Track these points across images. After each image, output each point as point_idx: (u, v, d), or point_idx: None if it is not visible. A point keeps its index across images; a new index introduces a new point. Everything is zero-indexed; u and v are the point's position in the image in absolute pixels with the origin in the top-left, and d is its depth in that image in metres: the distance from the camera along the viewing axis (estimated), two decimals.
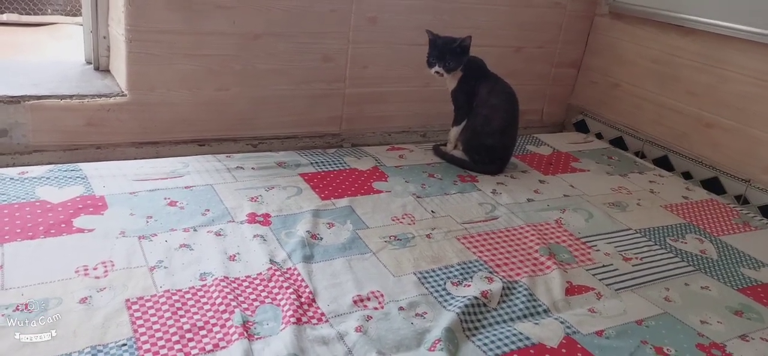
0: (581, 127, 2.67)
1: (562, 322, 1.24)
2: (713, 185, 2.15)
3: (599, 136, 2.57)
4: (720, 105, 2.13)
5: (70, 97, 1.78)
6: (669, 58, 2.29)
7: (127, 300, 1.13)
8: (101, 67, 2.03)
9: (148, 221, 1.41)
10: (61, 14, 3.21)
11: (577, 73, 2.67)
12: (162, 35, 1.80)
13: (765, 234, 1.78)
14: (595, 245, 1.58)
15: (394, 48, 2.18)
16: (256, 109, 2.03)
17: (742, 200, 2.07)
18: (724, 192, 2.12)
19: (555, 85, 2.64)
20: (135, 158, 1.82)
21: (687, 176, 2.24)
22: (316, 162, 1.86)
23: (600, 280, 1.42)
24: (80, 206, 1.44)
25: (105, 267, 1.22)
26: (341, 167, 1.85)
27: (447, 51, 1.89)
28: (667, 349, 1.20)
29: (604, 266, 1.49)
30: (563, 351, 1.16)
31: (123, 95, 1.83)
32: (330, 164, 1.86)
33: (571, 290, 1.37)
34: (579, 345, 1.18)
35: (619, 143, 2.49)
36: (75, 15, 3.15)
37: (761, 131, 2.02)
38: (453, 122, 2.03)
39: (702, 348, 1.22)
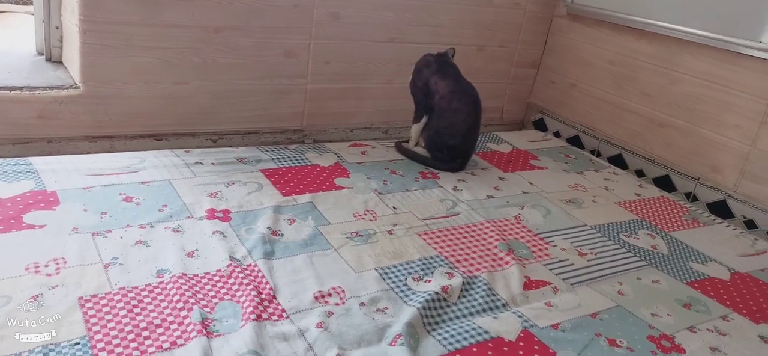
0: (540, 125, 2.72)
1: (519, 316, 1.27)
2: (665, 183, 2.22)
3: (557, 134, 2.63)
4: (672, 106, 2.21)
5: (21, 88, 1.71)
6: (625, 60, 2.36)
7: (81, 298, 1.10)
8: (53, 59, 1.96)
9: (102, 217, 1.37)
10: (10, 2, 3.09)
11: (536, 73, 2.72)
12: (118, 26, 1.75)
13: (712, 230, 1.86)
14: (553, 241, 1.62)
15: (356, 44, 2.18)
16: (216, 103, 1.99)
17: (691, 197, 2.15)
18: (674, 190, 2.20)
19: (515, 84, 2.69)
20: (88, 153, 1.77)
21: (640, 174, 2.31)
22: (278, 158, 1.84)
23: (557, 275, 1.46)
24: (31, 201, 1.39)
25: (57, 264, 1.18)
26: (303, 164, 1.84)
27: None
28: (620, 341, 1.24)
29: (560, 261, 1.53)
30: (521, 344, 1.19)
31: (76, 88, 1.78)
32: (291, 160, 1.85)
33: (529, 284, 1.39)
34: (536, 339, 1.21)
35: (576, 141, 2.55)
36: (25, 3, 3.03)
37: (710, 131, 2.10)
38: (413, 119, 2.05)
39: (652, 340, 1.26)
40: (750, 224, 1.98)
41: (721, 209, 2.05)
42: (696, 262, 1.64)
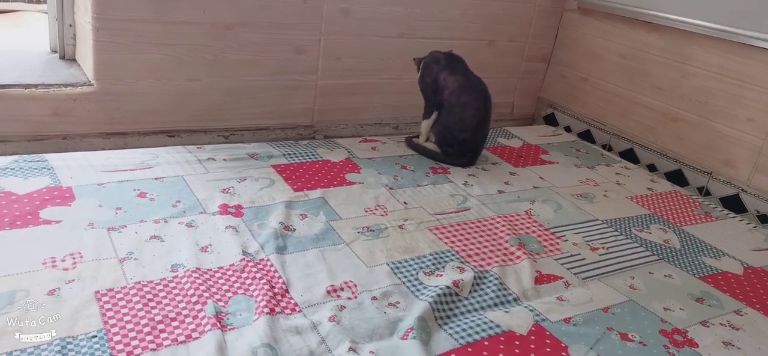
0: (550, 120, 2.71)
1: (531, 310, 1.27)
2: (677, 178, 2.21)
3: (568, 129, 2.62)
4: (684, 99, 2.19)
5: (35, 86, 1.74)
6: (636, 54, 2.35)
7: (97, 292, 1.12)
8: (67, 56, 1.98)
9: (117, 213, 1.39)
10: (24, 1, 3.12)
11: (546, 67, 2.71)
12: (130, 24, 1.77)
13: (725, 224, 1.85)
14: (564, 236, 1.62)
15: (366, 40, 2.18)
16: (228, 100, 2.01)
17: (704, 191, 2.14)
18: (687, 184, 2.18)
19: (525, 78, 2.68)
20: (102, 149, 1.79)
21: (652, 168, 2.30)
22: (289, 154, 1.85)
23: (568, 269, 1.46)
24: (47, 197, 1.41)
25: (73, 258, 1.20)
26: (314, 159, 1.85)
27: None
28: (632, 335, 1.24)
29: (572, 255, 1.52)
30: (532, 338, 1.19)
31: (90, 85, 1.80)
32: (302, 156, 1.86)
33: (540, 279, 1.40)
34: (547, 332, 1.21)
35: (587, 136, 2.54)
36: (39, 2, 3.07)
37: (722, 125, 2.08)
38: (423, 115, 2.05)
39: (665, 334, 1.26)
40: (763, 219, 1.97)
41: (734, 204, 2.04)
42: (709, 256, 1.63)
